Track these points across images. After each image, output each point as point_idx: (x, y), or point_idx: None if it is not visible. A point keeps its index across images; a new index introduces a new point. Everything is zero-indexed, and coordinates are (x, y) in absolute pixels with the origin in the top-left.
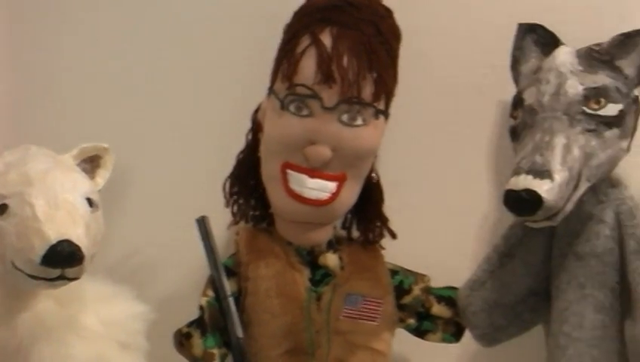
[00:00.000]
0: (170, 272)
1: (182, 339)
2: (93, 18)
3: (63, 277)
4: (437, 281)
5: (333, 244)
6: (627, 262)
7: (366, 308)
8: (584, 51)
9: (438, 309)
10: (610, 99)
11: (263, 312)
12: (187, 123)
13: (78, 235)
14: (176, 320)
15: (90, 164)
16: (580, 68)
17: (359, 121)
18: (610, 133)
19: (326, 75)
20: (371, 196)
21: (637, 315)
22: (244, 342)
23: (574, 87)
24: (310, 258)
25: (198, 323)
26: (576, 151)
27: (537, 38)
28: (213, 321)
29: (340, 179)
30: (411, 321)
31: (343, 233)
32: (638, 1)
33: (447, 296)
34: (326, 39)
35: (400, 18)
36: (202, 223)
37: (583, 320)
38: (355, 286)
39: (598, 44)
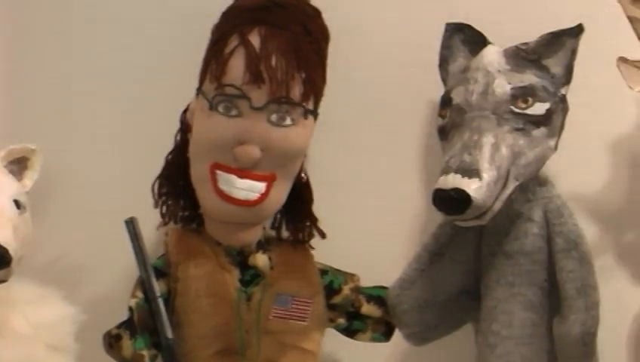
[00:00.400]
0: (100, 274)
1: (111, 341)
2: (15, 18)
3: None
4: (367, 281)
5: (263, 244)
6: (555, 260)
7: (296, 308)
8: (511, 51)
9: (367, 309)
10: (537, 98)
11: (192, 313)
12: (115, 124)
13: (5, 237)
14: (106, 321)
15: (18, 165)
16: (508, 67)
17: (288, 121)
18: (538, 132)
19: (255, 75)
20: (301, 196)
21: (565, 313)
22: (174, 342)
23: (502, 87)
24: (240, 258)
25: (127, 325)
26: (504, 150)
27: (465, 38)
28: (142, 322)
29: (269, 180)
30: (341, 321)
31: (273, 233)
32: (564, 0)
33: (377, 296)
34: (254, 39)
35: (328, 18)
36: (131, 224)
37: (512, 319)
38: (284, 287)
39: (525, 44)
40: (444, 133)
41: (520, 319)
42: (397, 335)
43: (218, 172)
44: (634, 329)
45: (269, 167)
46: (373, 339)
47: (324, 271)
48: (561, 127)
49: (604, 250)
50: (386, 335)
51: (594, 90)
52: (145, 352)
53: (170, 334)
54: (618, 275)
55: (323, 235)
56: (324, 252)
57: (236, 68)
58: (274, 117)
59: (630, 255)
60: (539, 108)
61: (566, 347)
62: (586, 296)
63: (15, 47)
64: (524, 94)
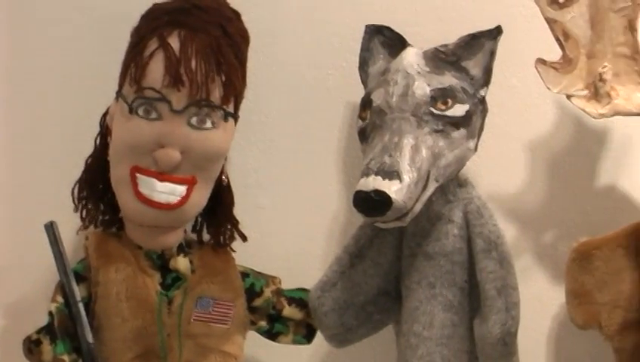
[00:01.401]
0: (19, 278)
1: (31, 346)
2: None
3: None
4: (288, 283)
5: (184, 248)
6: (475, 260)
7: (217, 311)
8: (431, 52)
9: (289, 311)
10: (457, 100)
11: (113, 317)
12: (35, 126)
13: None
14: (26, 326)
15: None
16: (427, 69)
17: (208, 124)
18: (458, 134)
19: (174, 78)
20: (222, 199)
21: (485, 314)
22: (94, 347)
23: (422, 88)
24: (161, 262)
25: (47, 330)
26: (424, 152)
27: (384, 40)
28: (63, 327)
29: (190, 183)
30: (263, 324)
31: (194, 236)
32: (483, 2)
33: (299, 298)
34: (174, 42)
35: (247, 20)
36: (51, 228)
37: (433, 319)
38: (206, 290)
39: (444, 46)
40: (364, 135)
41: (440, 320)
42: (319, 337)
43: (138, 175)
44: (553, 329)
45: (190, 170)
46: (295, 342)
47: (246, 274)
48: (481, 129)
49: (523, 250)
50: (308, 338)
51: (513, 92)
52: (65, 357)
53: (90, 338)
54: (538, 275)
55: (244, 238)
56: (245, 255)
57: (156, 71)
58: (194, 120)
59: (549, 255)
60: (458, 110)
61: (486, 347)
62: (506, 296)
63: None
64: (443, 96)
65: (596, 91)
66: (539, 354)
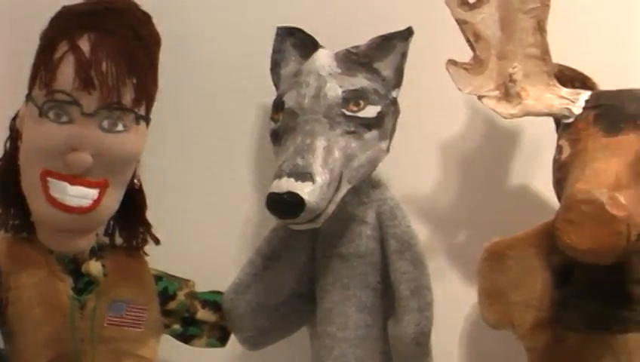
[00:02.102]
0: None
1: None
2: None
3: None
4: (202, 286)
5: (96, 252)
6: (389, 261)
7: (131, 315)
8: (342, 54)
9: (203, 314)
10: (368, 101)
11: (25, 322)
12: None
13: None
14: None
15: None
16: (339, 70)
17: (120, 127)
18: (370, 135)
19: (85, 81)
20: (134, 202)
21: (399, 314)
22: (6, 353)
23: (334, 90)
24: (73, 266)
25: None
26: (337, 153)
27: (296, 42)
28: None
29: (102, 186)
30: (176, 327)
31: (106, 240)
32: (394, 4)
33: (212, 301)
34: (84, 45)
35: (159, 22)
36: None
37: (347, 321)
38: (119, 294)
39: (356, 47)
40: (276, 137)
41: (354, 321)
42: (232, 339)
43: (49, 179)
44: (466, 328)
45: (102, 174)
46: (209, 344)
47: (159, 278)
48: (393, 130)
49: (437, 250)
50: (222, 340)
51: (424, 93)
52: None
53: (1, 344)
54: (451, 276)
55: (157, 241)
56: (158, 258)
57: (66, 74)
58: (105, 123)
59: (462, 255)
60: (370, 111)
61: (401, 347)
62: (419, 296)
63: None
64: (355, 97)
65: (507, 92)
66: (452, 353)
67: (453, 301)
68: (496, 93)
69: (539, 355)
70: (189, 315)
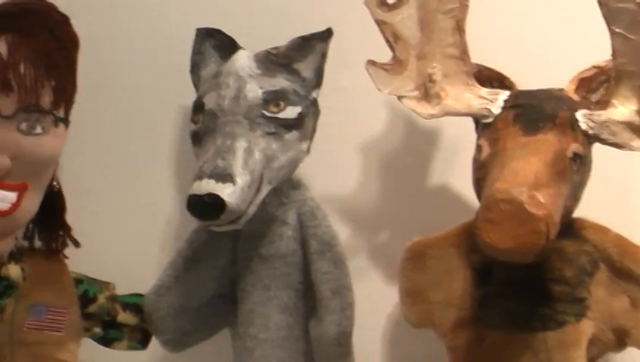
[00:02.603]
0: None
1: None
2: None
3: None
4: (122, 289)
5: (15, 255)
6: (310, 262)
7: (51, 319)
8: (262, 55)
9: (123, 317)
10: (289, 102)
11: None
12: None
13: None
14: None
15: None
16: (259, 72)
17: (39, 130)
18: (290, 136)
19: (2, 83)
20: (53, 205)
21: (321, 314)
22: None
23: (254, 91)
24: None
25: None
26: (257, 155)
27: (216, 43)
28: None
29: (21, 189)
30: (97, 330)
31: (25, 243)
32: (314, 5)
33: (133, 303)
34: (2, 47)
35: (78, 24)
36: None
37: (268, 322)
38: (38, 297)
39: (276, 48)
40: (197, 138)
41: (276, 322)
42: (154, 341)
43: None
44: (388, 328)
45: (21, 177)
46: (130, 347)
47: (79, 281)
48: (313, 130)
49: (358, 250)
50: (143, 343)
51: (344, 93)
52: None
53: None
54: (372, 275)
55: (77, 244)
56: (78, 261)
57: None
58: (24, 125)
59: (383, 255)
60: (290, 112)
61: (322, 348)
62: (340, 296)
63: None
64: (275, 98)
65: (426, 92)
66: (374, 353)
67: (374, 301)
68: (416, 93)
69: (460, 354)
70: (110, 318)
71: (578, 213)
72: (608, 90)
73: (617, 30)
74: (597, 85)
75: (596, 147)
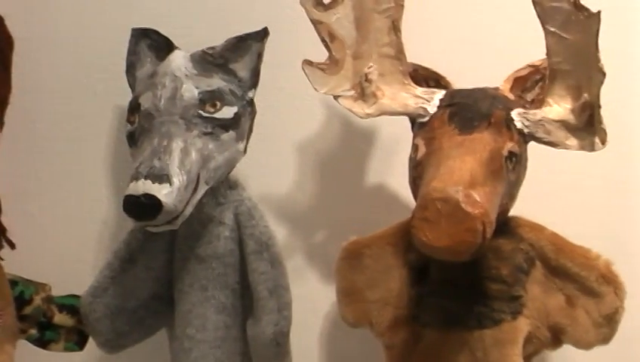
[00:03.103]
0: None
1: None
2: None
3: None
4: (59, 290)
5: None
6: (247, 262)
7: None
8: (198, 55)
9: (60, 318)
10: (225, 102)
11: None
12: None
13: None
14: None
15: None
16: (195, 72)
17: None
18: (227, 136)
19: None
20: None
21: (258, 315)
22: None
23: (190, 91)
24: None
25: None
26: (194, 155)
27: (151, 43)
28: None
29: None
30: (33, 332)
31: None
32: (250, 4)
33: (70, 305)
34: None
35: (12, 24)
36: None
37: (206, 322)
38: None
39: (212, 48)
40: (133, 139)
41: (213, 322)
42: (91, 343)
43: None
44: (325, 327)
45: None
46: (67, 349)
47: (15, 282)
48: (250, 130)
49: (295, 250)
50: (80, 344)
51: (281, 93)
52: None
53: None
54: (309, 275)
55: (12, 246)
56: (14, 262)
57: None
58: None
59: (320, 255)
60: (227, 112)
61: (260, 348)
62: (277, 296)
63: None
64: (212, 98)
65: (362, 91)
66: (312, 353)
67: (311, 300)
68: (352, 92)
69: (397, 353)
70: (46, 320)
71: (514, 211)
72: (543, 89)
73: (552, 29)
74: (532, 84)
75: (531, 145)
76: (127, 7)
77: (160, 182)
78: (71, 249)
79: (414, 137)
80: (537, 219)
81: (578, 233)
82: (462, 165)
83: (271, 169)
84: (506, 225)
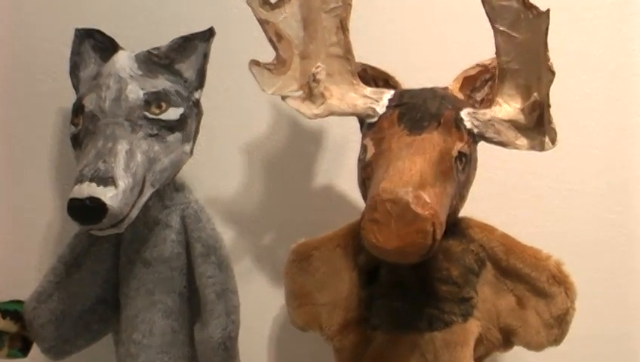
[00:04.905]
0: None
1: None
2: None
3: None
4: (2, 295)
5: None
6: (194, 265)
7: None
8: (143, 55)
9: (3, 324)
10: (170, 104)
11: None
12: None
13: None
14: None
15: None
16: (140, 72)
17: None
18: (173, 138)
19: None
20: None
21: (206, 319)
22: None
23: (135, 92)
24: None
25: None
26: (139, 157)
27: (95, 43)
28: None
29: None
30: None
31: None
32: (196, 4)
33: (13, 310)
34: None
35: None
36: None
37: (152, 327)
38: None
39: (157, 48)
40: (77, 141)
41: (160, 327)
42: (35, 349)
43: None
44: (274, 331)
45: None
46: (10, 356)
47: None
48: (196, 132)
49: (243, 253)
50: (24, 351)
51: (228, 94)
52: None
53: None
54: (257, 278)
55: None
56: None
57: None
58: None
59: (269, 257)
60: (173, 114)
61: (208, 352)
62: (226, 300)
63: None
64: (157, 99)
65: (310, 92)
66: (260, 356)
67: (260, 303)
68: (300, 93)
69: (347, 356)
70: None
71: (464, 212)
72: (493, 89)
73: (501, 28)
74: (481, 83)
75: (481, 145)
76: (70, 6)
77: (105, 185)
78: (15, 253)
79: (363, 138)
80: (487, 220)
81: (530, 233)
82: (411, 166)
83: (218, 171)
84: (456, 226)
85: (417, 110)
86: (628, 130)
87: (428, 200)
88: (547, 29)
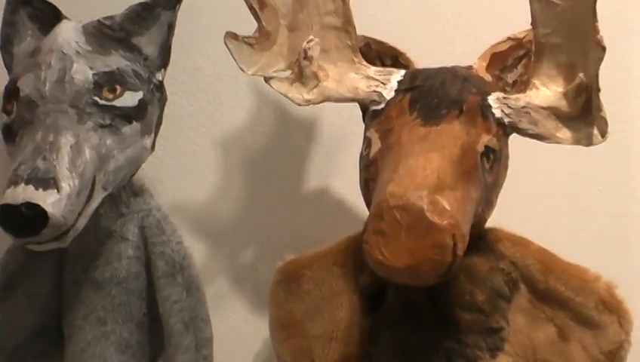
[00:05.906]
0: None
1: None
2: None
3: None
4: None
5: None
6: (156, 288)
7: None
8: (93, 27)
9: None
10: (127, 87)
11: None
12: None
13: None
14: None
15: None
16: (89, 48)
17: None
18: (130, 129)
19: None
20: None
21: (170, 353)
22: None
23: (82, 73)
24: None
25: None
26: (88, 153)
27: (33, 12)
28: None
29: None
30: None
31: None
32: None
33: None
34: None
35: None
36: None
37: None
38: None
39: (109, 18)
40: (10, 133)
41: None
42: None
43: None
44: None
45: None
46: None
47: None
48: (159, 122)
49: (217, 272)
50: None
51: (198, 75)
52: None
53: None
54: (235, 304)
55: None
56: None
57: None
58: None
59: (249, 278)
60: (130, 99)
61: None
62: (195, 331)
63: None
64: (110, 81)
65: (301, 72)
66: None
67: (238, 335)
68: (288, 73)
69: None
70: None
71: (492, 221)
72: (528, 68)
73: None
74: (514, 62)
75: (514, 139)
76: None
77: (45, 188)
78: None
79: (366, 129)
80: (521, 232)
81: (572, 249)
82: (426, 164)
83: (186, 171)
84: (482, 240)
85: (434, 95)
86: (628, 130)
87: (447, 207)
88: None
